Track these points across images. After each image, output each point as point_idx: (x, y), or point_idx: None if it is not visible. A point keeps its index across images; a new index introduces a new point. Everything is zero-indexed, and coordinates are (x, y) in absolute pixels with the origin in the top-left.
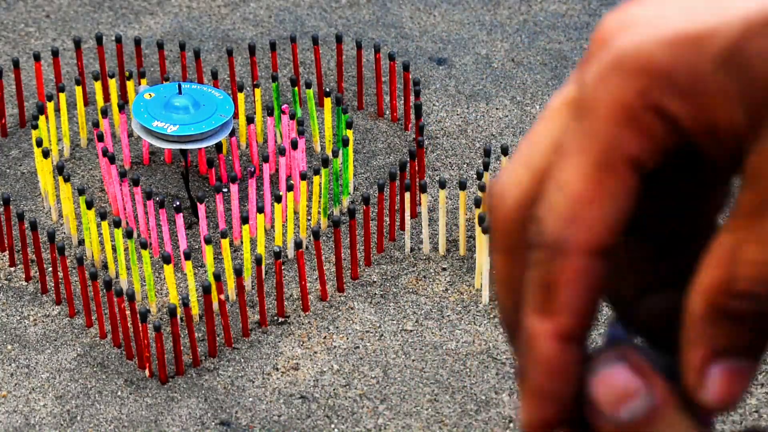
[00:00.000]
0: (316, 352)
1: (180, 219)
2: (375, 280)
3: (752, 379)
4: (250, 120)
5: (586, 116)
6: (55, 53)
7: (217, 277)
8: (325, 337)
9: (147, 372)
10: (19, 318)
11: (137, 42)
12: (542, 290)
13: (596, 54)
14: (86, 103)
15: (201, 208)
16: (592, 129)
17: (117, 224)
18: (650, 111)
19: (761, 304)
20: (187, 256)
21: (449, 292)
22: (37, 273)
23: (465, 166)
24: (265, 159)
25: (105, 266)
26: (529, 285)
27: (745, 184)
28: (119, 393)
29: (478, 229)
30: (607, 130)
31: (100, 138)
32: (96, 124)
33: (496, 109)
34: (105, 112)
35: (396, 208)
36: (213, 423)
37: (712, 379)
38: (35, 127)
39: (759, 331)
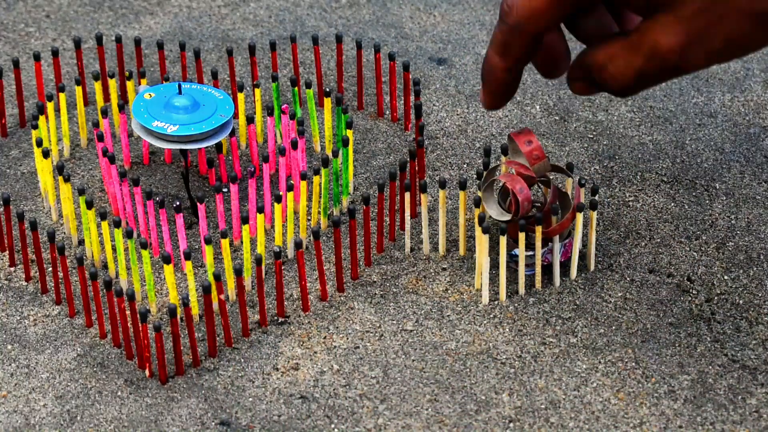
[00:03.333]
0: (316, 352)
1: (180, 219)
2: (375, 280)
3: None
4: (250, 120)
5: None
6: (55, 53)
7: (217, 277)
8: (325, 337)
9: (147, 372)
10: (19, 318)
11: (137, 42)
12: (503, 44)
13: None
14: (86, 103)
15: (201, 208)
16: None
17: (117, 224)
18: None
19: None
20: (187, 256)
21: (449, 292)
22: (37, 273)
23: (465, 166)
24: (265, 159)
25: (105, 266)
26: (495, 36)
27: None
28: (119, 393)
29: (478, 229)
30: None
31: (100, 138)
32: (96, 124)
33: None
34: (105, 112)
35: (396, 208)
36: (213, 423)
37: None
38: (35, 127)
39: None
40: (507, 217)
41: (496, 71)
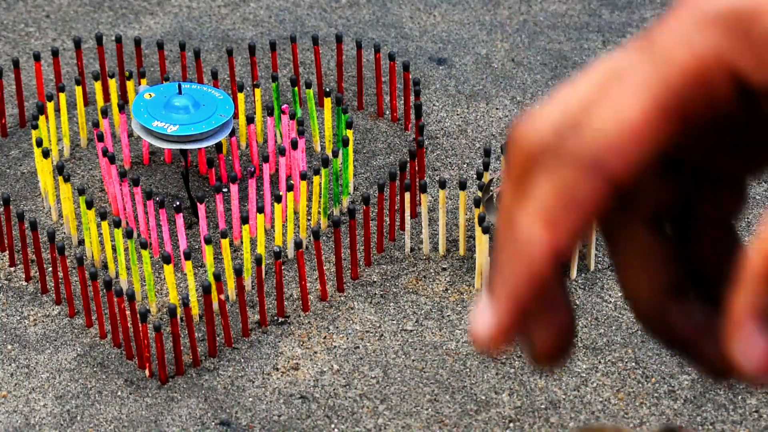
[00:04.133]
0: (316, 352)
1: (180, 219)
2: (375, 280)
3: None
4: (250, 120)
5: (661, 61)
6: (55, 53)
7: (217, 277)
8: (325, 337)
9: (147, 372)
10: (19, 318)
11: (137, 42)
12: (557, 203)
13: (678, 9)
14: (86, 103)
15: (201, 208)
16: (666, 74)
17: (117, 224)
18: (724, 72)
19: None
20: (187, 256)
21: (449, 292)
22: (37, 273)
23: (465, 166)
24: (265, 159)
25: (105, 266)
26: (535, 196)
27: None
28: (119, 393)
29: (478, 229)
30: (680, 80)
31: (100, 138)
32: (96, 124)
33: (496, 109)
34: (105, 112)
35: (396, 208)
36: (213, 423)
37: (749, 334)
38: (35, 127)
39: None
40: None
41: (534, 254)
